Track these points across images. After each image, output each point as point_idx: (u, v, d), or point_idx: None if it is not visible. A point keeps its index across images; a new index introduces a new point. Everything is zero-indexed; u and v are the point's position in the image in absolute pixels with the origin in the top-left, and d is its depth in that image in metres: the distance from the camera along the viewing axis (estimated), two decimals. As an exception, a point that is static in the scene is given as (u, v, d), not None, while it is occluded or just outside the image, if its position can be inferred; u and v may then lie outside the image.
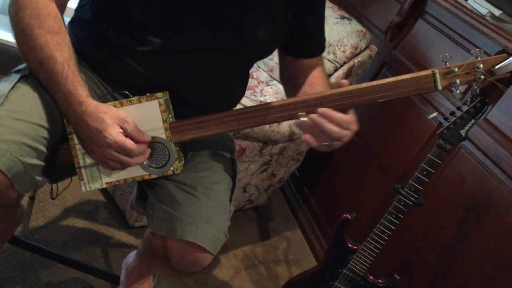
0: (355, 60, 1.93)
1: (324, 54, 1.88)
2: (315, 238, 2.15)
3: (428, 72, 0.92)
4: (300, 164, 2.09)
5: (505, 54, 0.94)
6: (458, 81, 0.93)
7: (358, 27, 1.96)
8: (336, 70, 1.92)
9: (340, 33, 1.94)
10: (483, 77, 0.92)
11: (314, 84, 1.10)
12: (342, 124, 0.90)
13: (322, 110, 0.89)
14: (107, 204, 1.77)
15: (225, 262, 1.82)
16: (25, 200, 1.58)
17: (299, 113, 0.92)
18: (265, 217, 2.21)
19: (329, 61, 1.91)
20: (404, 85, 0.92)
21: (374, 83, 0.92)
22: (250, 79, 2.05)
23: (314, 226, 2.20)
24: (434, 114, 0.96)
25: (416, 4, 1.94)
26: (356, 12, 2.36)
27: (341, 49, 1.90)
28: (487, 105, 1.32)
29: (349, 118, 0.91)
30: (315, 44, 1.17)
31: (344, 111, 0.92)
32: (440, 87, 0.92)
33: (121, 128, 0.89)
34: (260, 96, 1.98)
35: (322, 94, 0.93)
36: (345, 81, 0.93)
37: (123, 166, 0.93)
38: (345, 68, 1.92)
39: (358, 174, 2.04)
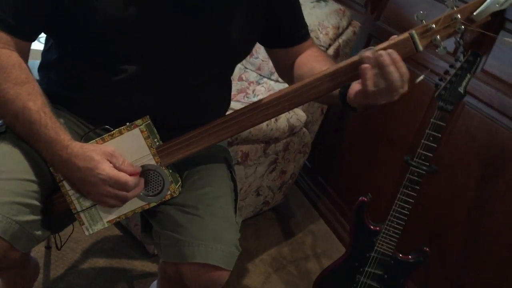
0: (340, 40, 1.89)
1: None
2: (340, 225, 2.12)
3: (406, 35, 0.87)
4: (308, 155, 2.06)
5: None
6: (438, 37, 0.88)
7: (336, 6, 1.92)
8: (323, 54, 1.88)
9: (319, 16, 1.90)
10: (463, 27, 0.88)
11: (319, 60, 1.06)
12: (403, 74, 0.84)
13: (390, 50, 0.84)
14: (124, 237, 1.75)
15: (254, 270, 1.79)
16: (41, 251, 1.57)
17: (368, 48, 0.86)
18: (285, 215, 2.18)
19: (314, 46, 1.87)
20: None
21: (355, 58, 0.88)
22: (240, 82, 2.03)
23: (336, 214, 2.17)
24: (421, 78, 0.91)
25: (389, -30, 1.90)
26: (332, -8, 2.31)
27: (323, 32, 1.86)
28: (479, 57, 1.28)
29: (408, 73, 0.85)
30: (300, 28, 1.13)
31: None
32: (421, 48, 0.87)
33: (110, 162, 0.88)
34: (254, 97, 1.95)
35: (303, 83, 0.90)
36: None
37: (122, 201, 0.90)
38: (331, 50, 1.88)
39: (369, 152, 2.00)
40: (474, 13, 0.87)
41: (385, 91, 0.84)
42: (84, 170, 0.86)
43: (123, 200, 0.90)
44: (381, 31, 1.98)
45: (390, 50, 0.84)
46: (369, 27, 2.03)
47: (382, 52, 0.83)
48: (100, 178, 0.86)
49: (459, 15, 0.86)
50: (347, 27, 1.91)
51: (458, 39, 0.91)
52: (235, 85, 2.00)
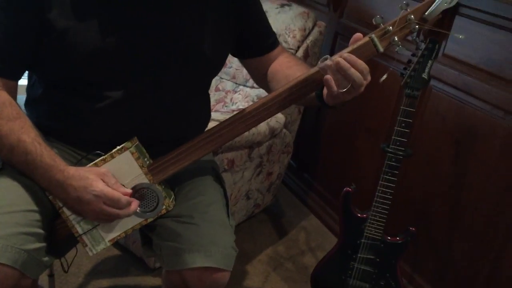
0: (308, 41, 1.97)
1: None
2: (330, 218, 2.19)
3: (366, 39, 0.94)
4: (292, 154, 2.13)
5: None
6: (396, 38, 0.96)
7: (300, 9, 2.00)
8: (293, 56, 1.96)
9: (285, 20, 1.98)
10: (417, 26, 0.95)
11: (291, 66, 1.13)
12: (363, 71, 0.91)
13: (346, 54, 0.91)
14: (124, 256, 1.80)
15: (253, 271, 1.85)
16: (45, 279, 1.61)
17: (324, 57, 0.94)
18: (277, 215, 2.25)
19: (284, 50, 1.94)
20: None
21: (315, 69, 0.95)
22: (217, 92, 2.10)
23: (325, 207, 2.24)
24: (384, 77, 0.99)
25: (346, -31, 1.99)
26: (295, -5, 2.39)
27: (291, 35, 1.94)
28: (438, 43, 1.36)
29: (368, 67, 0.92)
30: (269, 37, 1.20)
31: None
32: (381, 49, 0.95)
33: (104, 182, 0.94)
34: (232, 105, 2.02)
35: (277, 92, 0.97)
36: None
37: (115, 218, 0.97)
38: (300, 51, 1.96)
39: (348, 143, 2.08)
40: (426, 13, 0.95)
41: (351, 88, 0.92)
42: (79, 189, 0.92)
43: (116, 217, 0.96)
44: (346, 28, 2.07)
45: (345, 55, 0.91)
46: (334, 26, 2.12)
47: (339, 59, 0.90)
48: (94, 195, 0.92)
49: (412, 16, 0.94)
50: (313, 28, 1.99)
51: (415, 37, 0.99)
52: (213, 96, 2.07)
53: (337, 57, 0.91)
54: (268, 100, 0.97)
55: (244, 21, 1.13)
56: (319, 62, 0.93)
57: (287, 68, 1.13)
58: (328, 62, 0.91)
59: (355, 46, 0.94)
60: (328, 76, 0.91)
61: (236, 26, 1.12)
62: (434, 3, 0.95)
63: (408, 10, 0.95)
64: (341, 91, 0.91)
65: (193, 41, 1.04)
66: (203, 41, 1.05)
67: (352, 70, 0.90)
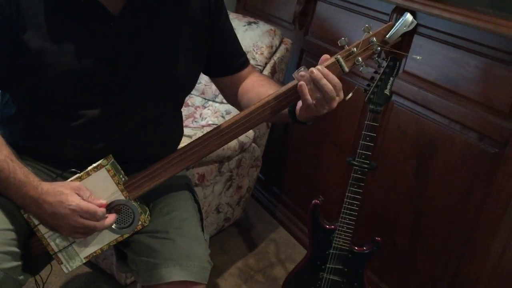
0: (275, 58, 2.03)
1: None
2: (299, 230, 2.24)
3: (332, 59, 1.00)
4: (260, 168, 2.17)
5: (391, 23, 1.03)
6: (360, 58, 1.01)
7: (267, 27, 2.06)
8: (261, 72, 2.01)
9: (252, 38, 2.04)
10: (379, 48, 1.02)
11: (264, 85, 1.17)
12: (335, 85, 0.95)
13: (319, 66, 0.96)
14: (94, 273, 1.79)
15: (224, 284, 1.87)
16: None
17: (300, 68, 0.98)
18: (247, 228, 2.28)
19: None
20: None
21: (289, 85, 1.00)
22: (186, 107, 2.12)
23: (294, 219, 2.29)
24: (349, 95, 1.04)
25: (310, -11, 2.06)
26: (261, 12, 2.46)
27: (259, 52, 1.99)
28: (398, 61, 1.44)
29: (340, 83, 0.97)
30: (240, 56, 1.24)
31: None
32: (347, 69, 1.00)
33: (79, 195, 0.95)
34: (202, 120, 2.05)
35: (251, 109, 1.01)
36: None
37: (91, 231, 0.98)
38: (268, 68, 2.02)
39: (315, 157, 2.14)
40: (387, 36, 1.02)
41: (323, 101, 0.96)
42: (55, 204, 0.93)
43: (93, 229, 0.98)
44: (311, 45, 2.14)
45: (319, 66, 0.96)
46: (300, 43, 2.19)
47: (312, 69, 0.96)
48: (70, 209, 0.93)
49: (375, 39, 1.00)
50: (279, 45, 2.06)
51: (377, 58, 1.05)
52: (183, 111, 2.07)
53: (312, 68, 0.96)
54: (242, 117, 1.01)
55: (216, 40, 1.16)
56: (295, 73, 0.98)
57: (259, 86, 1.17)
58: (303, 72, 0.97)
59: (323, 65, 0.99)
60: (303, 83, 0.96)
61: (207, 45, 1.15)
62: (394, 27, 1.01)
63: (371, 33, 1.02)
64: (314, 102, 0.96)
65: (166, 62, 1.07)
66: (176, 61, 1.08)
67: (325, 81, 0.95)
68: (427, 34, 1.61)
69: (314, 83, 0.95)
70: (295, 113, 1.02)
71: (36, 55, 0.96)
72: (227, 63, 1.22)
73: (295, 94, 0.99)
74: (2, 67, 0.97)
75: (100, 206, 0.97)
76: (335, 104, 0.98)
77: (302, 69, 0.98)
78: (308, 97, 0.96)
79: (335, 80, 0.96)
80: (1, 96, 1.11)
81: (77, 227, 0.95)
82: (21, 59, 0.96)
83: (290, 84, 1.01)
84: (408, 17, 1.00)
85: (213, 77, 1.25)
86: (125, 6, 0.99)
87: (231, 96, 1.25)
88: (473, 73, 1.49)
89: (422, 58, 1.62)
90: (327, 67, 0.98)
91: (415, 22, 1.02)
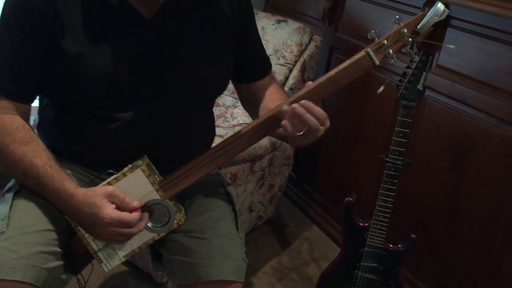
0: (305, 55, 2.03)
1: (275, 60, 1.99)
2: (332, 228, 2.23)
3: (362, 53, 0.99)
4: (292, 166, 2.17)
5: (422, 13, 1.02)
6: (391, 51, 1.00)
7: (296, 25, 2.06)
8: (291, 70, 2.01)
9: (282, 36, 2.04)
10: (410, 39, 1.00)
11: (274, 99, 1.17)
12: (319, 117, 0.96)
13: (303, 101, 0.96)
14: (131, 272, 1.83)
15: (258, 283, 1.88)
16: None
17: (283, 103, 0.98)
18: (280, 226, 2.28)
19: (282, 65, 2.00)
20: (346, 72, 0.99)
21: (320, 80, 0.99)
22: (217, 107, 2.14)
23: (327, 217, 2.28)
24: (381, 89, 1.04)
25: (339, -14, 2.05)
26: (290, 10, 2.46)
27: (288, 51, 1.99)
28: (431, 55, 1.41)
29: (325, 113, 0.97)
30: (262, 64, 1.24)
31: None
32: (377, 62, 0.99)
33: (112, 203, 0.97)
34: (233, 120, 2.06)
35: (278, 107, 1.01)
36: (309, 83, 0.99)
37: (128, 237, 1.01)
38: (298, 66, 2.01)
39: (348, 154, 2.12)
40: (418, 26, 1.00)
41: (308, 133, 0.97)
42: (90, 216, 0.96)
43: (129, 236, 1.00)
44: (341, 42, 2.12)
45: (302, 101, 0.96)
46: (330, 39, 2.18)
47: (295, 105, 0.95)
48: (105, 222, 0.96)
49: (405, 30, 0.99)
50: (309, 43, 2.05)
51: (409, 50, 1.04)
52: (214, 111, 2.11)
53: (294, 104, 0.96)
54: (273, 114, 1.01)
55: (242, 47, 1.16)
56: (276, 108, 0.98)
57: (269, 101, 1.16)
58: (285, 107, 0.96)
59: (352, 60, 0.99)
60: (284, 122, 0.96)
61: (235, 51, 1.16)
62: (425, 17, 1.00)
63: (401, 24, 1.00)
64: (298, 134, 0.97)
65: (199, 65, 1.08)
66: (209, 65, 1.09)
67: (308, 116, 0.95)
68: (460, 27, 1.58)
69: (297, 118, 0.95)
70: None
71: (73, 59, 0.98)
72: (250, 70, 1.21)
73: (277, 123, 1.00)
74: (40, 72, 1.00)
75: (134, 209, 0.99)
76: (320, 133, 0.98)
77: (285, 104, 0.97)
78: (289, 132, 0.96)
79: (319, 112, 0.96)
80: (39, 101, 1.14)
81: (114, 235, 0.98)
82: (59, 64, 0.99)
83: (270, 113, 1.01)
84: (440, 6, 0.99)
85: (233, 82, 1.25)
86: (158, 10, 1.01)
87: (246, 102, 1.26)
88: (510, 65, 1.45)
89: (456, 50, 1.59)
90: (356, 60, 0.97)
91: (447, 11, 1.00)
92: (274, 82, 1.25)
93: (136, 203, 1.00)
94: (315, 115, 0.95)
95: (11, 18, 0.97)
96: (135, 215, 0.99)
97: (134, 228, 0.99)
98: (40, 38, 0.98)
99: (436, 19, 0.99)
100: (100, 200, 0.96)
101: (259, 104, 1.19)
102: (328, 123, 0.99)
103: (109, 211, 0.96)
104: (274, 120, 1.01)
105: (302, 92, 0.99)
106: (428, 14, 1.00)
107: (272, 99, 1.18)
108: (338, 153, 2.19)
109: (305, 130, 0.96)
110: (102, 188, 0.99)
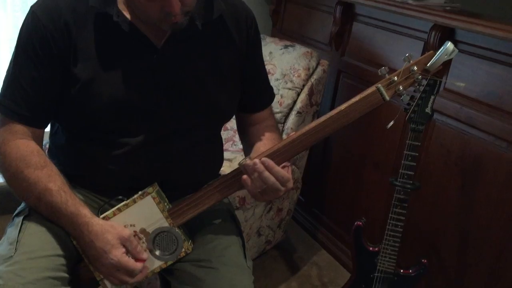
0: (312, 80, 2.04)
1: (282, 84, 2.00)
2: (342, 252, 2.20)
3: (373, 88, 0.99)
4: (300, 190, 2.16)
5: (432, 52, 1.02)
6: (401, 87, 1.01)
7: (303, 49, 2.07)
8: (298, 94, 2.02)
9: (290, 61, 2.05)
10: (420, 77, 1.01)
11: (263, 139, 1.16)
12: (279, 178, 0.97)
13: (264, 159, 0.97)
14: (140, 297, 1.81)
15: (267, 308, 1.86)
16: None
17: (245, 158, 0.99)
18: (288, 251, 2.26)
19: (289, 89, 2.01)
20: (356, 107, 0.99)
21: (330, 114, 1.00)
22: (225, 131, 2.15)
23: (336, 242, 2.26)
24: (391, 124, 1.04)
25: (346, 11, 2.07)
26: (297, 35, 2.48)
27: (296, 75, 2.00)
28: (439, 79, 1.42)
29: (287, 175, 0.98)
30: (263, 96, 1.24)
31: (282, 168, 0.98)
32: (387, 98, 1.00)
33: (124, 246, 0.98)
34: (241, 144, 2.06)
35: (290, 139, 1.00)
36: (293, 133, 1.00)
37: (123, 283, 1.01)
38: (305, 90, 2.02)
39: (356, 178, 2.11)
40: (428, 65, 1.01)
41: (267, 190, 0.98)
42: (99, 251, 0.96)
43: (125, 283, 1.00)
44: (348, 66, 2.14)
45: (264, 159, 0.97)
46: (337, 63, 2.19)
47: (256, 160, 0.96)
48: (111, 263, 0.96)
49: (415, 68, 1.00)
50: (316, 67, 2.06)
51: (418, 86, 1.04)
52: (222, 135, 2.12)
53: (256, 159, 0.97)
54: (282, 146, 1.00)
55: (247, 75, 1.17)
56: (241, 161, 0.99)
57: (258, 141, 1.16)
58: (247, 161, 0.97)
59: (362, 95, 0.99)
60: (245, 176, 0.97)
61: (242, 74, 1.16)
62: (435, 56, 1.01)
63: (411, 62, 1.01)
64: (258, 191, 0.97)
65: (208, 93, 1.09)
66: (218, 92, 1.10)
67: (266, 174, 0.96)
68: (467, 51, 1.58)
69: (257, 173, 0.96)
70: None
71: (85, 84, 1.00)
72: (250, 100, 1.21)
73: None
74: (54, 98, 1.02)
75: (141, 260, 1.00)
76: (281, 193, 0.99)
77: (248, 158, 0.98)
78: (252, 186, 0.97)
79: (280, 173, 0.96)
80: (51, 126, 1.15)
81: (112, 276, 0.99)
82: (71, 89, 1.00)
83: (234, 172, 1.02)
84: (450, 45, 1.00)
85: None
86: (168, 38, 1.03)
87: (240, 130, 1.27)
88: (518, 89, 1.45)
89: (463, 73, 1.59)
90: (367, 96, 0.98)
91: (457, 50, 1.01)
92: (269, 119, 1.24)
93: (145, 256, 1.01)
94: (274, 175, 0.96)
95: (27, 45, 0.99)
96: (140, 265, 0.99)
97: (133, 278, 0.99)
98: (54, 65, 1.00)
99: (446, 58, 1.01)
100: (114, 239, 0.97)
101: (248, 141, 1.20)
102: (290, 185, 0.99)
103: (119, 254, 0.96)
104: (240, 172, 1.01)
105: (275, 146, 1.00)
106: (437, 53, 1.01)
107: (260, 139, 1.17)
108: (347, 177, 2.18)
109: (264, 188, 0.97)
110: (120, 229, 0.99)
